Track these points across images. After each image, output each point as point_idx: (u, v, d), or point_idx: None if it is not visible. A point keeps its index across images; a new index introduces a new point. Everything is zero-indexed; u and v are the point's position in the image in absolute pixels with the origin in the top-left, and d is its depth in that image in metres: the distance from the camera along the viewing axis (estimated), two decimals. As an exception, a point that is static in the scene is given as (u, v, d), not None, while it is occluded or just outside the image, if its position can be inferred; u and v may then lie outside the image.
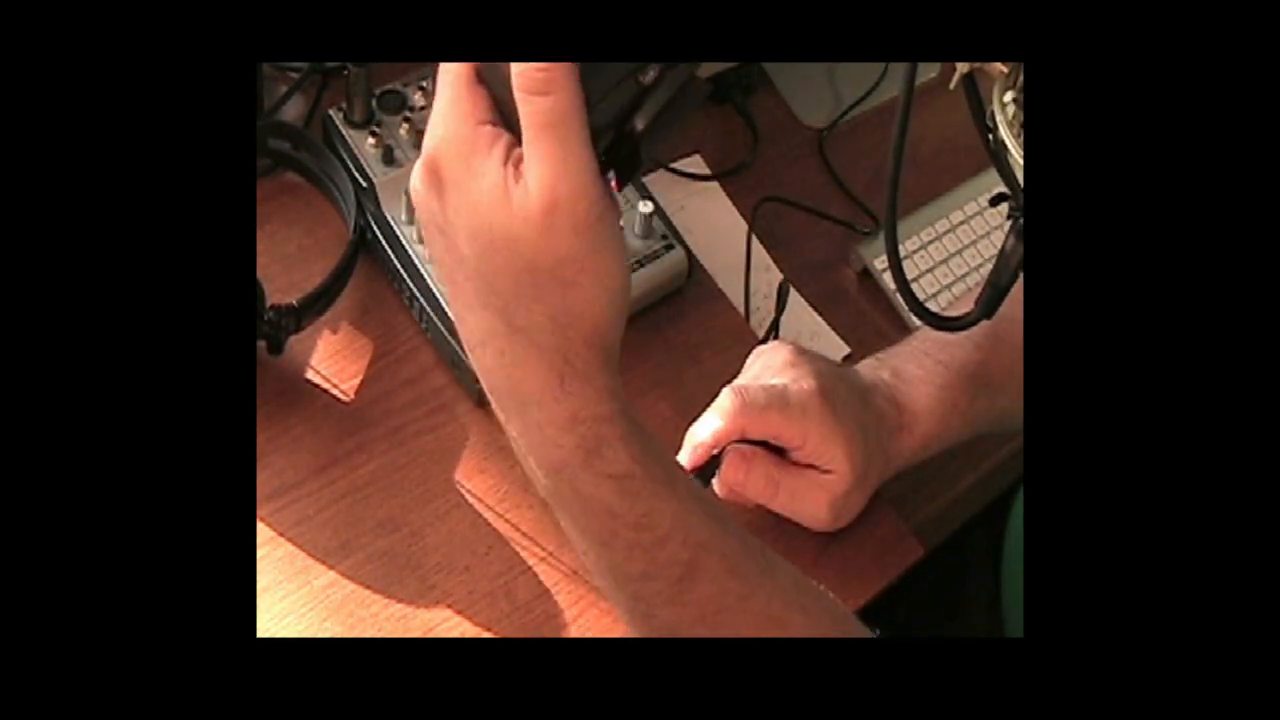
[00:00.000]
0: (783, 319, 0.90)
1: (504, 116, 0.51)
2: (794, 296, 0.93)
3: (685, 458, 0.71)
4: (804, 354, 0.75)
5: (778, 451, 0.73)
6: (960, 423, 0.77)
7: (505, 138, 0.50)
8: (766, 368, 0.75)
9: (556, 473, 0.52)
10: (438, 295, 0.81)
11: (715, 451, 0.71)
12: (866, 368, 0.78)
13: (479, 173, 0.49)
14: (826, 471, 0.72)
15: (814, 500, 0.72)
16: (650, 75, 0.51)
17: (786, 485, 0.71)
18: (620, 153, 0.52)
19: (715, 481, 0.73)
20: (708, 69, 1.01)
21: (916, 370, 0.77)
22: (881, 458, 0.74)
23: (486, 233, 0.49)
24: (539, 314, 0.49)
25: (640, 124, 0.52)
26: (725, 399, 0.71)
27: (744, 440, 0.72)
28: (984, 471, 0.89)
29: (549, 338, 0.50)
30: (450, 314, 0.50)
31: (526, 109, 0.49)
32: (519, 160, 0.49)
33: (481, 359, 0.52)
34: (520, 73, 0.49)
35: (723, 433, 0.70)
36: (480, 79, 0.51)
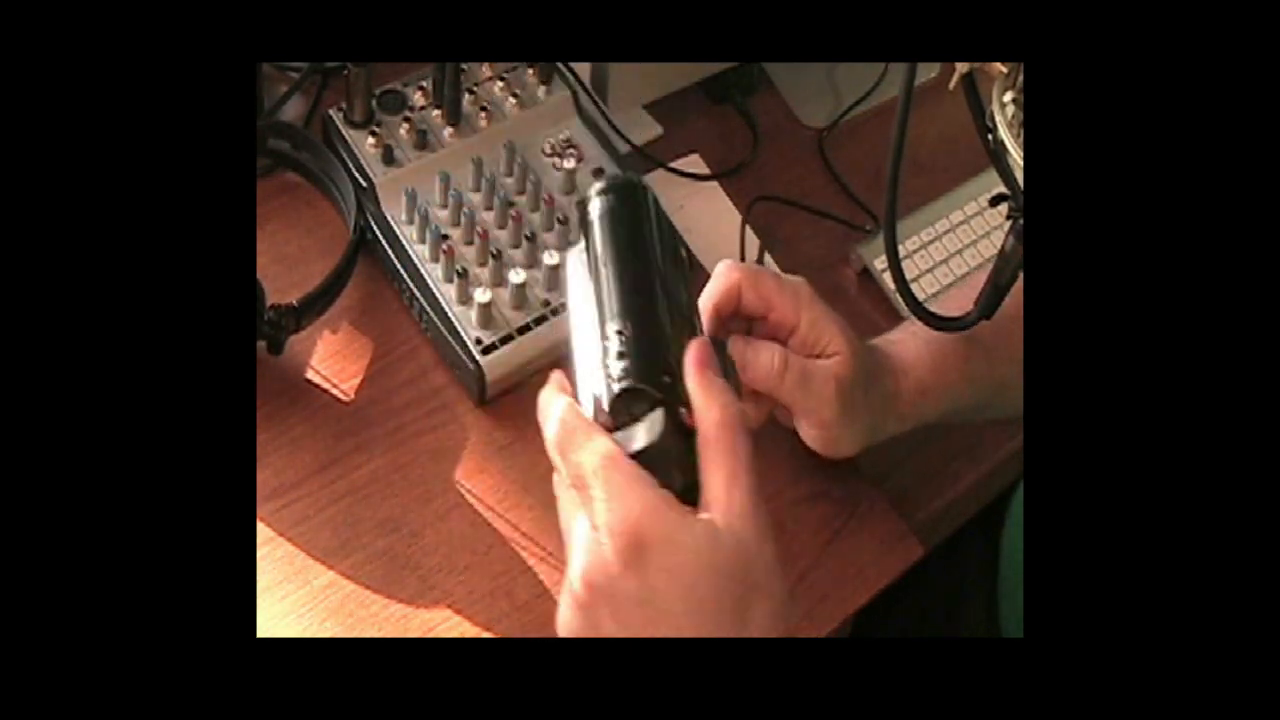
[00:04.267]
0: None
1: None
2: (794, 296, 0.93)
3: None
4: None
5: None
6: (958, 376, 0.76)
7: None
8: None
9: None
10: (438, 295, 0.81)
11: (715, 316, 0.69)
12: None
13: (685, 524, 0.51)
14: (828, 355, 0.70)
15: (822, 385, 0.70)
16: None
17: (794, 365, 0.69)
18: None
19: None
20: (708, 69, 1.01)
21: (901, 334, 0.78)
22: (879, 391, 0.74)
23: (710, 574, 0.51)
24: (763, 612, 0.53)
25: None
26: (720, 265, 0.70)
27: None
28: (984, 471, 0.89)
29: (779, 623, 0.54)
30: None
31: (714, 453, 0.52)
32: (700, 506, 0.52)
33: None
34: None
35: (720, 288, 0.69)
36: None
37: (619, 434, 0.53)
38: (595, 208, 0.59)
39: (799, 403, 0.72)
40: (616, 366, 0.53)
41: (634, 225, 0.58)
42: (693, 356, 0.54)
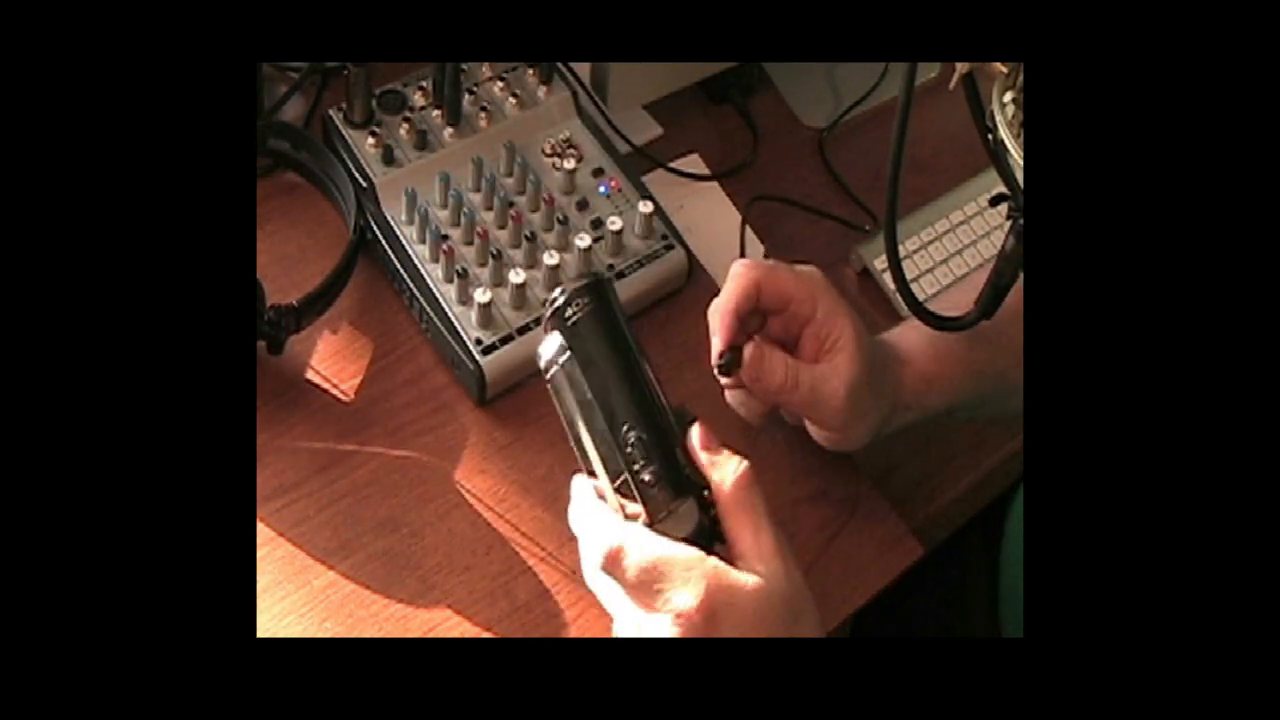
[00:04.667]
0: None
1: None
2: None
3: (719, 327, 0.70)
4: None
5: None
6: (962, 370, 0.76)
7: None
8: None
9: None
10: (438, 295, 0.81)
11: (736, 320, 0.70)
12: None
13: (739, 585, 0.58)
14: (837, 351, 0.71)
15: (831, 395, 0.71)
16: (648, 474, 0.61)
17: (804, 379, 0.70)
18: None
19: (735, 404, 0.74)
20: (708, 69, 1.01)
21: (902, 328, 0.78)
22: (884, 383, 0.74)
23: (767, 616, 0.58)
24: (807, 627, 0.60)
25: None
26: (735, 265, 0.71)
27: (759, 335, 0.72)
28: (984, 471, 0.89)
29: (819, 631, 0.62)
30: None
31: (736, 513, 0.60)
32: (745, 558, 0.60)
33: None
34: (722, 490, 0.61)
35: (739, 289, 0.70)
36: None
37: (660, 527, 0.60)
38: (574, 313, 0.62)
39: (809, 411, 0.73)
40: (645, 473, 0.60)
41: (614, 325, 0.62)
42: (699, 443, 0.62)
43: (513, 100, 0.89)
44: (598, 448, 0.61)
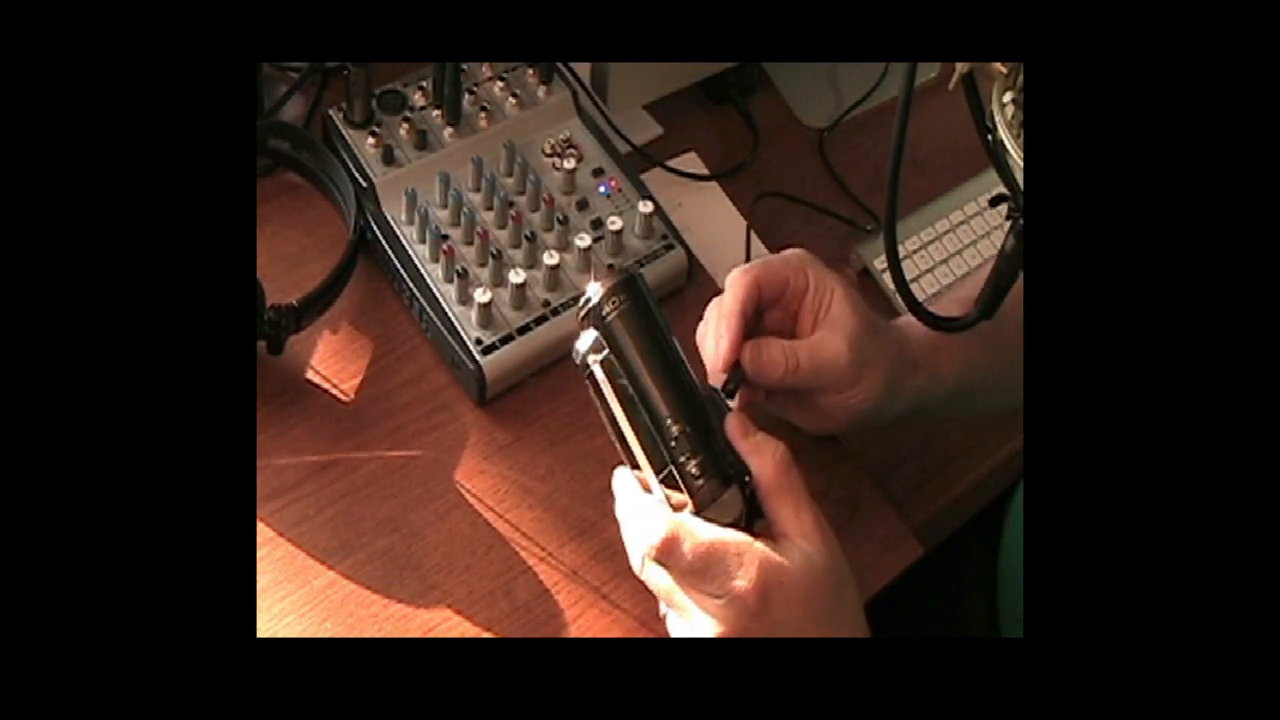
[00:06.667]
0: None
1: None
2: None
3: (726, 332, 0.70)
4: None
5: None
6: (960, 364, 0.76)
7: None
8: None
9: None
10: (438, 295, 0.81)
11: (743, 322, 0.71)
12: None
13: (787, 563, 0.60)
14: (832, 311, 0.71)
15: (834, 351, 0.71)
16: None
17: (803, 352, 0.70)
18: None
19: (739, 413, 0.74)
20: (708, 69, 1.01)
21: (900, 321, 0.77)
22: (888, 337, 0.74)
23: (814, 588, 0.61)
24: (850, 594, 0.64)
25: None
26: (732, 272, 0.72)
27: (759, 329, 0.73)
28: (983, 471, 0.89)
29: (860, 594, 0.65)
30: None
31: (778, 495, 0.63)
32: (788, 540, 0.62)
33: None
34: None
35: (742, 292, 0.70)
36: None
37: (708, 514, 0.62)
38: (611, 311, 0.64)
39: (817, 380, 0.72)
40: (691, 465, 0.62)
41: (650, 319, 0.64)
42: (735, 431, 0.64)
43: (513, 100, 0.89)
44: (642, 441, 0.63)
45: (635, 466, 0.64)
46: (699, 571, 0.60)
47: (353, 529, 0.75)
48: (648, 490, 0.64)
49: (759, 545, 0.60)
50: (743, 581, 0.59)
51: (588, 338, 0.64)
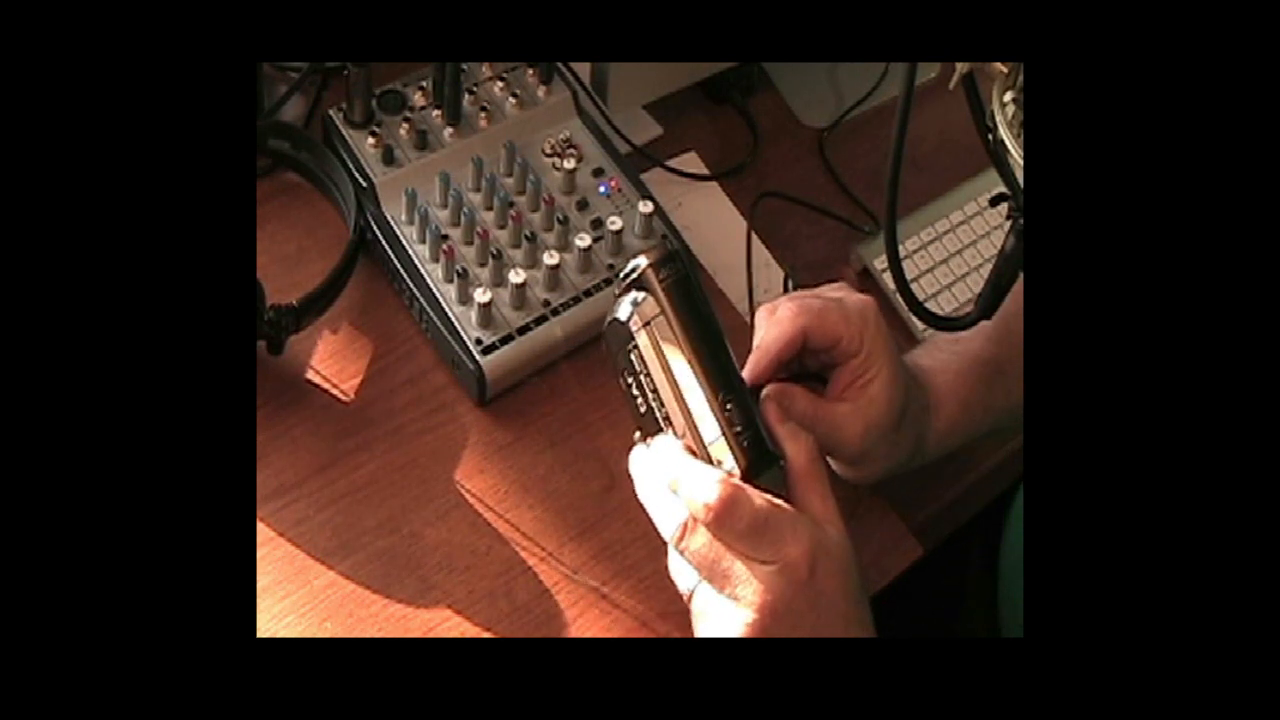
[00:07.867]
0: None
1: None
2: (794, 296, 0.93)
3: (751, 367, 0.70)
4: (844, 288, 0.75)
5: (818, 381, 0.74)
6: (981, 411, 0.77)
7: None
8: (807, 294, 0.74)
9: None
10: (438, 295, 0.81)
11: (776, 365, 0.70)
12: None
13: (828, 536, 0.62)
14: (868, 392, 0.71)
15: (850, 436, 0.71)
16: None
17: (822, 421, 0.70)
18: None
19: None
20: (708, 69, 1.01)
21: (931, 362, 0.77)
22: (909, 432, 0.74)
23: (846, 565, 0.63)
24: (857, 582, 0.65)
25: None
26: (783, 308, 0.71)
27: (798, 371, 0.73)
28: (983, 472, 0.89)
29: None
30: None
31: (808, 481, 0.64)
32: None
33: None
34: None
35: (786, 337, 0.70)
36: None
37: (760, 483, 0.62)
38: (667, 277, 0.63)
39: (825, 446, 0.72)
40: (744, 438, 0.63)
41: (701, 293, 0.64)
42: (773, 415, 0.65)
43: (513, 100, 0.89)
44: (693, 409, 0.63)
45: (679, 435, 0.64)
46: (756, 534, 0.60)
47: (353, 529, 0.75)
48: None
49: (807, 517, 0.61)
50: (795, 549, 0.59)
51: (632, 300, 0.64)
